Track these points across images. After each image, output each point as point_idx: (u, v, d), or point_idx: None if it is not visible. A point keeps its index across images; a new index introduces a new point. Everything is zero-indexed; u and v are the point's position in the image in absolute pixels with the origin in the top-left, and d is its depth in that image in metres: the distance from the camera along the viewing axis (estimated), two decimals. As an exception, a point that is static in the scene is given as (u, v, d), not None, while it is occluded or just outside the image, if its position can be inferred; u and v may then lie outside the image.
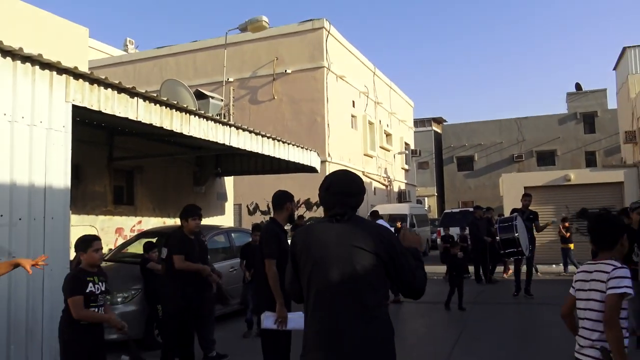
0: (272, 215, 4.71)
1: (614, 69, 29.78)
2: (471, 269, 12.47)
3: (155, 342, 6.80)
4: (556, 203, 17.49)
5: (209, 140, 8.15)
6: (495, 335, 7.43)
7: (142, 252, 7.12)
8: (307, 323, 2.34)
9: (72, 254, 4.75)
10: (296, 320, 4.12)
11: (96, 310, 3.93)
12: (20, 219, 4.88)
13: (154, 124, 6.68)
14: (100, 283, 4.01)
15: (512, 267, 13.75)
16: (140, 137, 10.15)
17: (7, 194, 4.80)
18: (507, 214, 17.00)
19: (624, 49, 26.88)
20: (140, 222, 10.79)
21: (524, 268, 10.38)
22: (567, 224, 14.64)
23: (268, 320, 4.24)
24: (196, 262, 5.69)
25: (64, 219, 5.33)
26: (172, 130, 7.09)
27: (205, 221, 12.14)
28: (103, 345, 4.07)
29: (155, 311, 6.69)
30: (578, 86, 39.26)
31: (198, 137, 7.61)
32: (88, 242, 4.02)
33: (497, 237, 9.82)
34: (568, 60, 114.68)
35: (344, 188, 2.43)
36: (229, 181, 13.91)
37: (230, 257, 8.70)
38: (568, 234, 14.17)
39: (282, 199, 4.60)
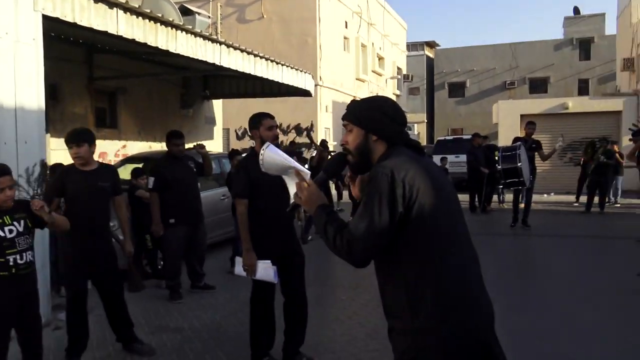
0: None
1: (617, -8, 28.63)
2: (465, 197, 12.20)
3: (144, 272, 6.52)
4: (552, 132, 17.11)
5: (197, 60, 7.52)
6: (492, 266, 7.26)
7: (129, 178, 6.69)
8: (436, 276, 1.79)
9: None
10: (265, 270, 3.68)
11: (15, 258, 3.12)
12: (-11, 144, 4.37)
13: (137, 40, 6.04)
14: (14, 223, 3.17)
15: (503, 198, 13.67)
16: (122, 56, 9.43)
17: (-27, 115, 4.27)
18: (502, 142, 16.74)
19: (630, -30, 25.66)
20: (124, 146, 10.27)
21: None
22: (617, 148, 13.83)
23: (238, 266, 3.80)
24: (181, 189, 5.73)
25: (40, 143, 4.83)
26: (157, 48, 6.46)
27: (194, 146, 11.70)
28: (30, 295, 3.31)
29: (143, 241, 6.35)
30: (576, 10, 37.95)
31: (186, 55, 6.98)
32: None
33: (499, 166, 9.49)
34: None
35: (404, 119, 2.03)
36: (217, 104, 13.29)
37: (221, 185, 8.30)
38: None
39: (251, 125, 3.89)
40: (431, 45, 41.18)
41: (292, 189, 2.05)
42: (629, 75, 25.40)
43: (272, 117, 3.90)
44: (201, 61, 7.63)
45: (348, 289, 6.14)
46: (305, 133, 19.34)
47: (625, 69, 25.28)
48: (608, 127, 17.30)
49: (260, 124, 3.81)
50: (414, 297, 1.79)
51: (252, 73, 8.70)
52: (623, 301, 5.56)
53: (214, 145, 12.82)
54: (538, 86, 37.04)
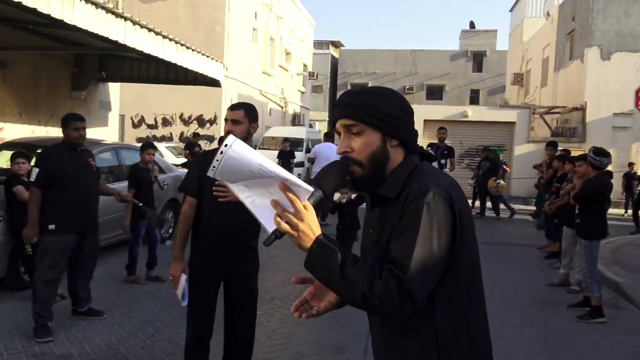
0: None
1: (510, 10, 30.53)
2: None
3: (21, 281, 5.53)
4: (452, 138, 17.65)
5: (95, 36, 6.56)
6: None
7: (7, 167, 5.63)
8: (471, 323, 1.51)
9: None
10: (184, 288, 3.11)
11: None
12: None
13: (23, 3, 5.04)
14: None
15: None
16: (4, 24, 8.09)
17: None
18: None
19: (524, -9, 27.42)
20: (2, 129, 8.88)
21: None
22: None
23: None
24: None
25: None
26: (49, 16, 5.47)
27: (87, 133, 10.44)
28: None
29: (21, 244, 5.33)
30: (472, 24, 40.12)
31: (83, 29, 6.01)
32: None
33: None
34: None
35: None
36: (114, 88, 12.04)
37: (118, 179, 7.37)
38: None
39: (255, 115, 3.26)
40: (336, 45, 41.46)
41: (265, 213, 1.41)
42: (518, 89, 27.18)
43: (232, 108, 3.15)
44: (100, 37, 6.67)
45: (262, 302, 5.59)
46: (208, 125, 18.40)
47: (515, 83, 27.01)
48: (503, 136, 18.22)
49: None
50: (449, 352, 1.46)
51: (160, 56, 7.82)
52: (535, 311, 5.56)
53: (109, 133, 11.60)
54: (434, 93, 38.66)
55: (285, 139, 16.04)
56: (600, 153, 5.50)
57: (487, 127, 18.22)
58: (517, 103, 23.98)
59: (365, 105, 1.50)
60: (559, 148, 10.25)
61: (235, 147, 1.35)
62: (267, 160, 1.37)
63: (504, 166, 14.16)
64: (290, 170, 12.16)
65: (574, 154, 9.00)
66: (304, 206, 1.37)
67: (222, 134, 3.23)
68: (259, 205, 1.42)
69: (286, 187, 1.35)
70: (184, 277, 3.11)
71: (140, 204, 5.79)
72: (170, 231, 8.25)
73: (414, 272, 1.34)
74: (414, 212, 1.38)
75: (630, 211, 14.46)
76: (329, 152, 10.97)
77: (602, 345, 4.70)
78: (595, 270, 5.43)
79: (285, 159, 14.03)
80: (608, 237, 9.01)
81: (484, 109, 20.46)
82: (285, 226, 1.36)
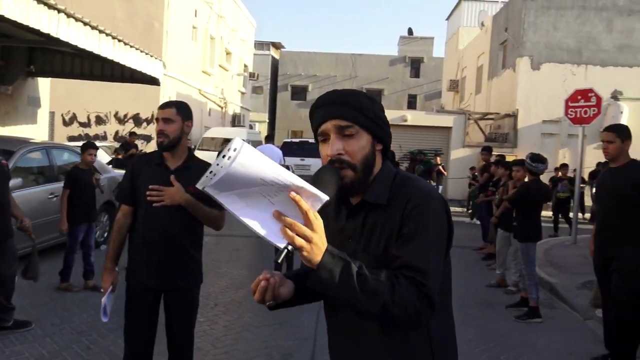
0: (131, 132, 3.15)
1: (447, 19, 31.50)
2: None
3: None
4: (392, 141, 18.02)
5: (24, 27, 6.16)
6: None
7: None
8: (452, 325, 1.59)
9: None
10: (104, 303, 2.91)
11: None
12: None
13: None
14: None
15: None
16: None
17: None
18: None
19: (460, 1, 28.37)
20: None
21: None
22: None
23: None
24: None
25: None
26: (-28, 4, 5.08)
27: (14, 131, 9.83)
28: None
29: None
30: (410, 31, 41.07)
31: (12, 19, 5.62)
32: None
33: None
34: (405, 4, 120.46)
35: None
36: (44, 84, 11.39)
37: (49, 180, 6.96)
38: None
39: (188, 114, 3.05)
40: (277, 46, 41.36)
41: (269, 227, 1.24)
42: (453, 95, 28.08)
43: (163, 106, 2.95)
44: (30, 29, 6.27)
45: (205, 308, 5.41)
46: (145, 125, 17.75)
47: (450, 89, 27.90)
48: (440, 140, 18.73)
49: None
50: (442, 357, 1.49)
51: (95, 51, 7.46)
52: (475, 312, 5.70)
53: (38, 131, 10.96)
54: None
55: (225, 140, 15.74)
56: (537, 159, 5.72)
57: (425, 131, 18.67)
58: (453, 109, 24.76)
59: (361, 106, 1.45)
60: (493, 153, 10.67)
61: (246, 152, 1.18)
62: (279, 167, 1.23)
63: (441, 169, 14.64)
64: None
65: (508, 159, 9.38)
66: (316, 216, 1.25)
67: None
68: (258, 217, 1.24)
69: (296, 195, 1.22)
70: (108, 291, 2.88)
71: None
72: (105, 235, 7.87)
73: (433, 276, 1.36)
74: (422, 218, 1.39)
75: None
76: (272, 154, 10.85)
77: (539, 345, 4.86)
78: (533, 273, 5.63)
79: None
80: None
81: (423, 113, 20.98)
82: (300, 241, 1.22)
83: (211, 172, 1.19)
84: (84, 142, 6.22)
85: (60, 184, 6.46)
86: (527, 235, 5.67)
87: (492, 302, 6.19)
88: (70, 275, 5.77)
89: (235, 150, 1.17)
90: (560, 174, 12.72)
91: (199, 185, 1.22)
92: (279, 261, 1.22)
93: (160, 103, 2.99)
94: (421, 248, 1.37)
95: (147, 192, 2.76)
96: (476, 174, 13.07)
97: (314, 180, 1.33)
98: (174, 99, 18.99)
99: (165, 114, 2.87)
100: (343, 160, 1.42)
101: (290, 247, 1.23)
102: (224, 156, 1.18)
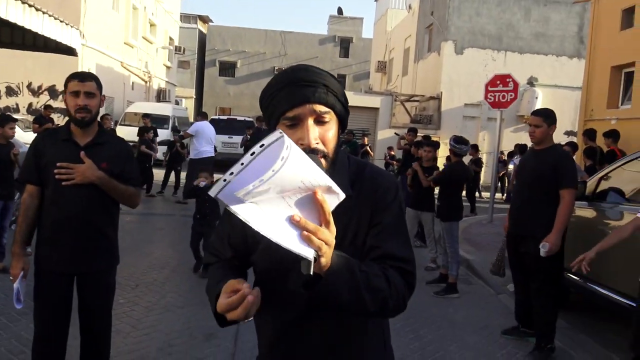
0: None
1: (376, 0, 31.77)
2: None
3: None
4: (320, 121, 18.12)
5: None
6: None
7: None
8: None
9: None
10: (17, 288, 2.74)
11: None
12: None
13: None
14: None
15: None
16: None
17: None
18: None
19: (388, -18, 28.65)
20: None
21: None
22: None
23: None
24: None
25: None
26: None
27: None
28: None
29: None
30: (340, 10, 41.12)
31: None
32: None
33: None
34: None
35: None
36: (-56, 49, 10.44)
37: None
38: None
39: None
40: (205, 20, 40.17)
41: (287, 233, 1.07)
42: (381, 76, 28.53)
43: (82, 78, 2.69)
44: None
45: (126, 289, 5.24)
46: (61, 98, 16.71)
47: (378, 70, 28.31)
48: (367, 121, 19.02)
49: (66, 87, 2.70)
50: (388, 341, 1.55)
51: (3, 17, 6.89)
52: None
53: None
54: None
55: (145, 115, 14.93)
56: (461, 141, 5.94)
57: (353, 111, 18.58)
58: (381, 90, 25.17)
59: (338, 89, 1.34)
60: (419, 134, 10.96)
61: (295, 151, 1.03)
62: (315, 164, 1.08)
63: (368, 149, 14.94)
64: (152, 149, 11.50)
65: (434, 139, 9.67)
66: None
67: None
68: (277, 226, 1.06)
69: (320, 198, 1.09)
70: (19, 277, 2.70)
71: None
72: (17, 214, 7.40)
73: (412, 262, 1.38)
74: (397, 207, 1.40)
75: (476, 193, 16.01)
76: (210, 131, 10.66)
77: (456, 318, 5.10)
78: (457, 250, 5.88)
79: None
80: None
81: (351, 94, 21.07)
82: (326, 249, 1.10)
83: (262, 180, 1.02)
84: (1, 114, 5.79)
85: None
86: (450, 215, 5.89)
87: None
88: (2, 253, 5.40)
89: (272, 141, 1.02)
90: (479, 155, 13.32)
91: (212, 193, 1.03)
92: (309, 272, 1.09)
93: (84, 74, 2.71)
94: (403, 237, 1.38)
95: (56, 170, 2.60)
96: (393, 153, 13.56)
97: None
98: (93, 70, 18.15)
99: (87, 87, 2.67)
100: (319, 151, 1.28)
101: (317, 256, 1.09)
102: (282, 158, 1.01)
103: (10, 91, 17.31)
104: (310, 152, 1.22)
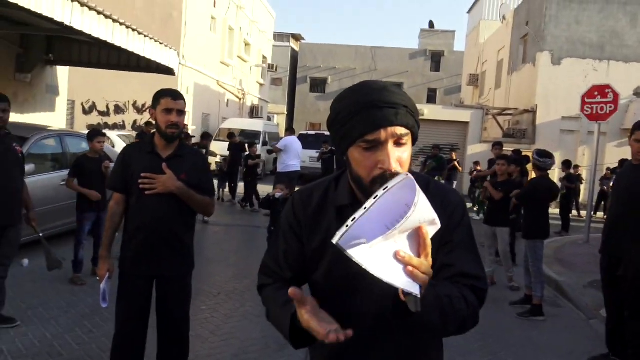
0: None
1: (468, 12, 31.13)
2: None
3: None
4: (408, 136, 17.92)
5: (40, 16, 6.25)
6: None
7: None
8: None
9: None
10: (103, 289, 2.97)
11: None
12: None
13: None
14: None
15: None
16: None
17: None
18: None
19: (481, -6, 28.00)
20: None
21: None
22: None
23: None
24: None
25: None
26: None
27: (32, 119, 10.02)
28: None
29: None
30: (431, 24, 40.67)
31: (26, 8, 5.72)
32: None
33: None
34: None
35: None
36: (62, 72, 11.58)
37: (62, 167, 7.09)
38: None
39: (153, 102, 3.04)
40: (297, 38, 41.32)
41: (393, 269, 1.05)
42: (473, 89, 27.77)
43: (175, 97, 2.90)
44: (45, 18, 6.37)
45: (208, 297, 5.49)
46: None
47: (470, 84, 27.59)
48: (457, 135, 18.56)
49: (158, 103, 2.91)
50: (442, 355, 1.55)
51: (109, 41, 7.55)
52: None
53: (56, 119, 11.16)
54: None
55: (231, 132, 15.40)
56: (544, 155, 5.65)
57: (442, 126, 18.50)
58: (472, 103, 24.48)
59: (415, 110, 1.32)
60: (510, 149, 10.56)
61: (421, 194, 1.07)
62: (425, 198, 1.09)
63: (457, 164, 14.55)
64: (239, 165, 11.99)
65: (526, 154, 9.28)
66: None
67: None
68: (386, 264, 1.05)
69: (427, 230, 1.09)
70: (105, 278, 2.95)
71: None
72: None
73: (485, 279, 1.40)
74: (467, 224, 1.42)
75: (574, 212, 15.07)
76: (298, 146, 11.03)
77: (539, 343, 4.83)
78: (540, 270, 5.57)
79: (236, 153, 12.45)
80: (552, 237, 9.31)
81: (440, 108, 20.74)
82: (427, 281, 1.09)
83: (354, 219, 1.03)
84: (91, 129, 6.21)
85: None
86: (534, 233, 5.62)
87: (497, 298, 6.14)
88: (80, 266, 5.72)
89: (417, 192, 1.05)
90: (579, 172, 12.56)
91: (334, 240, 1.03)
92: (418, 309, 1.09)
93: (175, 93, 2.91)
94: (474, 254, 1.40)
95: (140, 180, 2.81)
96: (479, 168, 13.09)
97: None
98: (191, 89, 19.26)
99: (179, 105, 2.89)
100: (399, 174, 1.21)
101: (421, 291, 1.08)
102: (415, 203, 1.03)
103: (118, 109, 18.80)
104: (391, 176, 1.20)
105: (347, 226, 1.02)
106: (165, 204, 2.85)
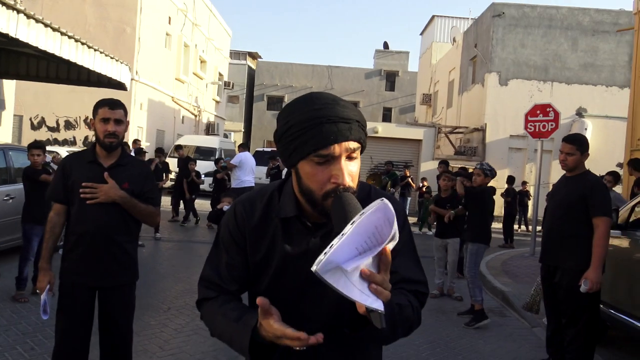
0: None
1: (421, 34, 32.00)
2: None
3: None
4: (363, 154, 18.17)
5: (-15, 27, 6.11)
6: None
7: None
8: None
9: None
10: (44, 301, 2.90)
11: None
12: None
13: None
14: None
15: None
16: None
17: None
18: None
19: (433, 17, 28.87)
20: None
21: None
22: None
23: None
24: None
25: None
26: None
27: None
28: None
29: None
30: (386, 45, 41.56)
31: (-31, 18, 5.59)
32: None
33: None
34: (381, 18, 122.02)
35: None
36: (9, 86, 11.26)
37: (6, 182, 6.87)
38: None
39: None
40: (254, 56, 41.45)
41: (360, 288, 1.08)
42: (426, 108, 28.48)
43: (112, 106, 2.87)
44: (-9, 30, 6.22)
45: (158, 312, 5.40)
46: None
47: (423, 103, 28.29)
48: (410, 153, 18.97)
49: (96, 112, 2.89)
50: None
51: (57, 54, 7.42)
52: (426, 319, 5.79)
53: (2, 134, 10.81)
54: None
55: (178, 146, 15.10)
56: (489, 166, 6.00)
57: (396, 143, 18.90)
58: (426, 122, 25.08)
59: (365, 124, 1.32)
60: (459, 166, 10.90)
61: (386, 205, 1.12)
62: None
63: (410, 181, 14.87)
64: (192, 181, 11.87)
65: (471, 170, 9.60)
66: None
67: (93, 137, 2.95)
68: (354, 284, 1.09)
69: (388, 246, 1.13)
70: (46, 290, 2.89)
71: None
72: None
73: (427, 285, 1.47)
74: (407, 231, 1.44)
75: (523, 226, 15.63)
76: (252, 162, 11.09)
77: (484, 351, 4.96)
78: (476, 275, 5.78)
79: (184, 167, 11.89)
80: (500, 250, 9.62)
81: (393, 126, 21.20)
82: (389, 297, 1.12)
83: (331, 246, 1.04)
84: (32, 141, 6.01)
85: (17, 186, 6.45)
86: (479, 237, 5.80)
87: (446, 310, 6.29)
88: (25, 282, 5.53)
89: (376, 209, 1.09)
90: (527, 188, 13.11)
91: (312, 268, 1.04)
92: (383, 325, 1.10)
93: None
94: (415, 260, 1.44)
95: (81, 190, 2.78)
96: (426, 184, 13.68)
97: (344, 216, 1.15)
98: (145, 105, 19.00)
99: (117, 115, 2.87)
100: (351, 188, 1.25)
101: (387, 308, 1.11)
102: (352, 223, 1.06)
103: (68, 125, 18.34)
104: (344, 190, 1.21)
105: (325, 253, 1.03)
106: (107, 213, 2.83)
